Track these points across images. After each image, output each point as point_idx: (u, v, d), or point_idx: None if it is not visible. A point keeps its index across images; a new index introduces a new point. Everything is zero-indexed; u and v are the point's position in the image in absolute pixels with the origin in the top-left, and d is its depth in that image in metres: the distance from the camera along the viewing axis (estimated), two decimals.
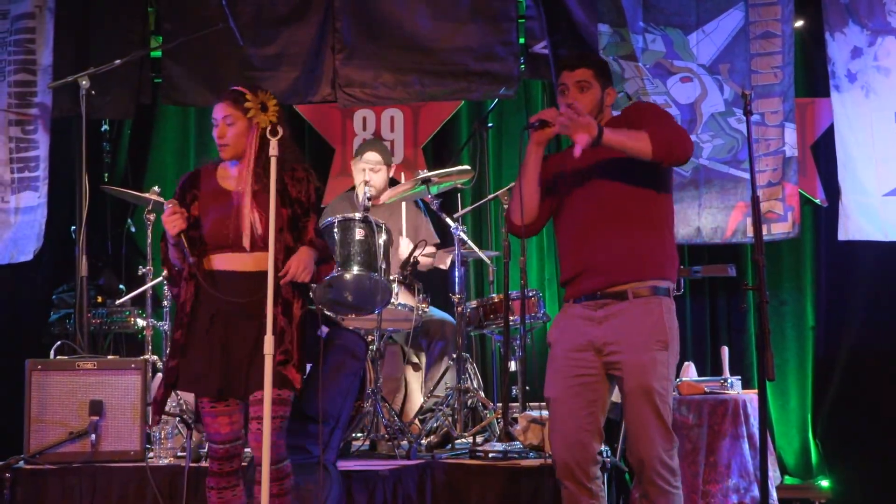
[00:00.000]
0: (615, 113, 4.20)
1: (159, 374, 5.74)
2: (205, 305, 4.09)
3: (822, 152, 6.68)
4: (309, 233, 4.19)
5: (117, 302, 6.32)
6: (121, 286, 6.81)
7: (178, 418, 5.32)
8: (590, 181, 4.05)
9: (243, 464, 4.23)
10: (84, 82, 6.00)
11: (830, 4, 6.40)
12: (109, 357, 5.58)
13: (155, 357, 5.79)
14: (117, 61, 6.21)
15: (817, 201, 6.72)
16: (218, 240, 4.11)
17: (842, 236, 6.32)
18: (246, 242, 4.06)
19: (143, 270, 5.96)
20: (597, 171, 4.03)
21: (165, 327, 5.85)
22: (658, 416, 3.91)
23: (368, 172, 6.30)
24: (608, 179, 4.02)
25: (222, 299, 4.03)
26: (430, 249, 6.20)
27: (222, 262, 4.12)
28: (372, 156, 6.39)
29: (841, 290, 6.73)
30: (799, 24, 6.57)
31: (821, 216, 6.75)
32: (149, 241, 5.96)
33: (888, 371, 6.52)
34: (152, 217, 5.95)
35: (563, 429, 3.99)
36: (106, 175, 6.96)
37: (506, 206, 5.42)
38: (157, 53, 6.83)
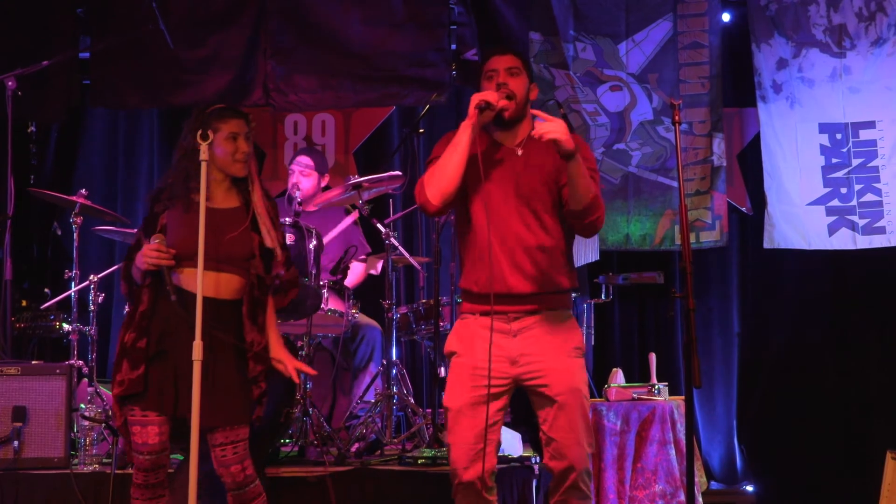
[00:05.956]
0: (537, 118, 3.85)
1: (85, 381, 5.69)
2: (158, 319, 3.97)
3: (749, 161, 6.77)
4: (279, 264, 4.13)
5: (42, 306, 6.21)
6: (46, 290, 6.69)
7: (103, 424, 5.25)
8: (514, 188, 3.91)
9: (169, 470, 4.16)
10: (10, 83, 5.91)
11: (756, 16, 6.48)
12: (34, 362, 5.48)
13: (81, 362, 5.70)
14: (44, 62, 6.13)
15: (743, 210, 6.80)
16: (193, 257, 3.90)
17: (767, 244, 6.42)
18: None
19: (70, 274, 5.87)
20: (523, 180, 3.91)
21: (92, 332, 5.77)
22: (586, 421, 3.90)
23: (298, 175, 6.27)
24: (533, 193, 3.91)
25: (179, 317, 3.87)
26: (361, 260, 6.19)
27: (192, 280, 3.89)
28: (304, 159, 6.36)
29: (766, 297, 6.84)
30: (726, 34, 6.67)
31: (747, 225, 6.83)
32: (75, 244, 5.87)
33: (811, 376, 6.65)
34: (79, 220, 5.86)
35: (464, 441, 3.90)
36: (32, 177, 6.83)
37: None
38: (86, 55, 6.75)
